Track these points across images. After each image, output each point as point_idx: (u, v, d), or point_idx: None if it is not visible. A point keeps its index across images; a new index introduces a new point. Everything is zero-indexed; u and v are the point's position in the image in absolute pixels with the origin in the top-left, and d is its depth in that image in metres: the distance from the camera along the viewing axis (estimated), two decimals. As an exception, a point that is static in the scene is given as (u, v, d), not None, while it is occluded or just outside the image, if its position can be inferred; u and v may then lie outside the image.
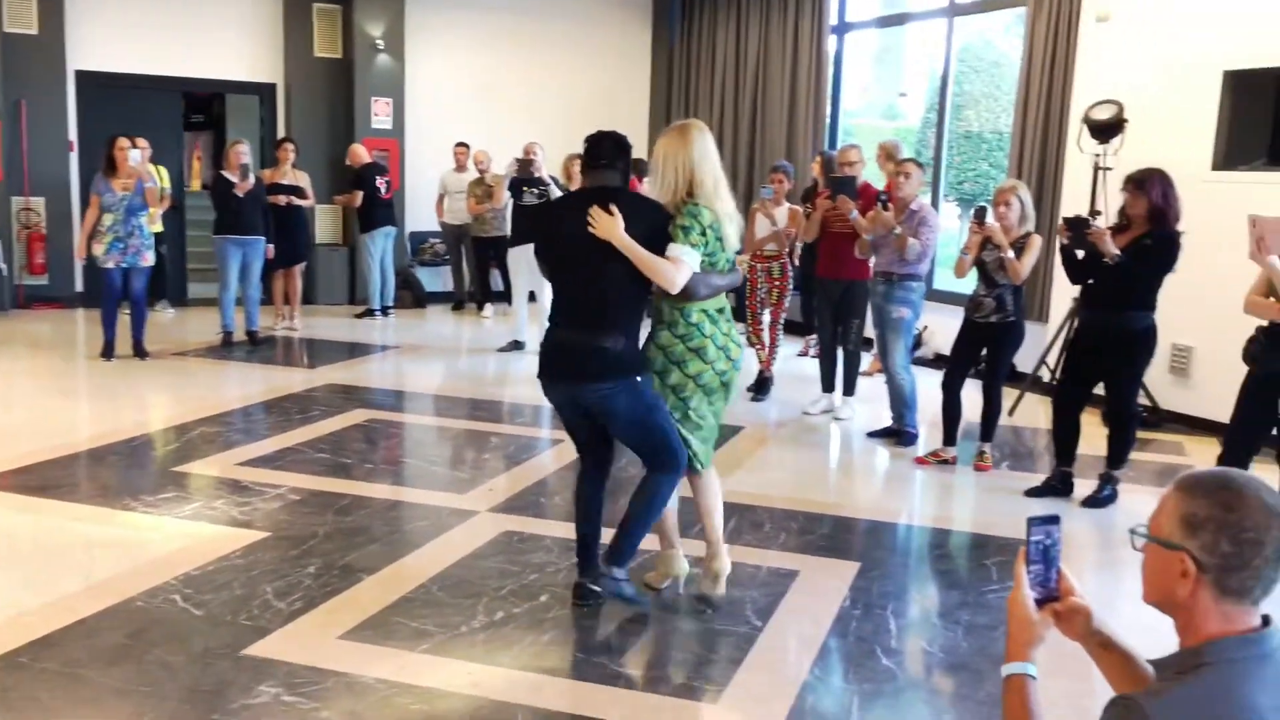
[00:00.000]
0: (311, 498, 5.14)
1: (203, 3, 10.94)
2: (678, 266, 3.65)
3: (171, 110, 11.39)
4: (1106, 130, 6.98)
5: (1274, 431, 4.72)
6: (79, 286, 10.62)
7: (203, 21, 10.94)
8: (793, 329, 9.49)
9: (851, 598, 4.16)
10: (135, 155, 8.03)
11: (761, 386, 7.61)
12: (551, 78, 12.19)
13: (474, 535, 4.71)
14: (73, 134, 10.57)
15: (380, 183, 10.49)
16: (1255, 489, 1.65)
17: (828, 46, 10.32)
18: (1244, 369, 4.74)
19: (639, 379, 3.73)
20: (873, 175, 8.36)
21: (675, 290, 3.66)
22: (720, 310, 3.90)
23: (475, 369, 8.75)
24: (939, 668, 3.66)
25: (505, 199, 9.45)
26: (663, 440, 3.80)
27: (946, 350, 6.32)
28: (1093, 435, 5.87)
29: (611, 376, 3.70)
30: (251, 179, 8.81)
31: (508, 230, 9.89)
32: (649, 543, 4.55)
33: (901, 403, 6.52)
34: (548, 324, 3.93)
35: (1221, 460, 4.80)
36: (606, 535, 4.02)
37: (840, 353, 7.06)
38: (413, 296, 11.68)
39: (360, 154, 10.63)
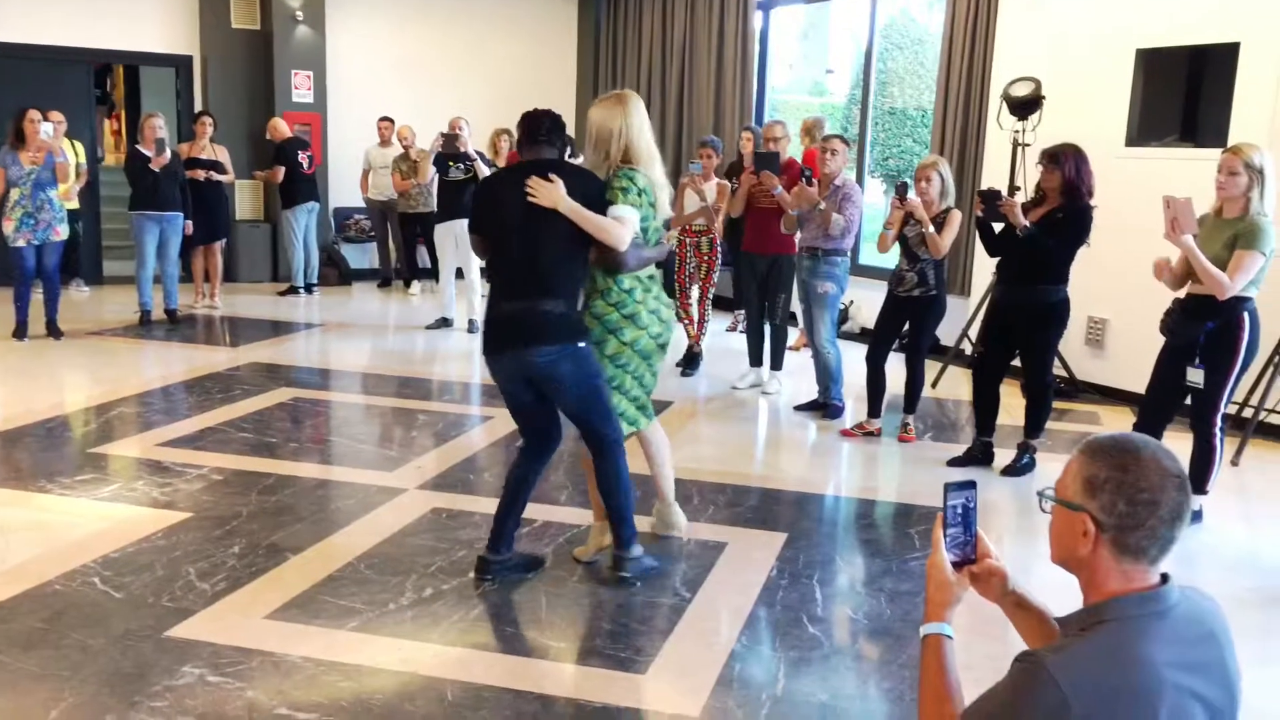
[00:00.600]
0: (235, 478, 5.07)
1: (114, -29, 10.62)
2: (623, 225, 3.73)
3: (82, 83, 11.04)
4: (1025, 107, 7.11)
5: (1187, 400, 4.86)
6: (-10, 265, 10.28)
7: (115, -10, 10.62)
8: (721, 304, 9.56)
9: (779, 568, 4.22)
10: (46, 128, 7.78)
11: (691, 361, 7.66)
12: (477, 52, 12.07)
13: (402, 513, 4.68)
14: (-21, 106, 10.19)
15: (302, 157, 10.30)
16: (1153, 452, 1.71)
17: (754, 22, 10.35)
18: (1157, 340, 4.88)
19: (582, 345, 3.78)
20: (797, 149, 8.43)
21: (623, 247, 3.73)
22: (650, 277, 4.01)
23: (403, 347, 8.67)
24: (863, 634, 3.73)
25: (431, 174, 9.35)
26: (604, 411, 3.87)
27: (872, 324, 6.41)
28: (1012, 406, 6.01)
29: (555, 339, 3.73)
30: (168, 153, 8.60)
31: (434, 206, 9.79)
32: (580, 518, 4.59)
33: (827, 376, 6.61)
34: (489, 299, 3.95)
35: (1136, 427, 4.95)
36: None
37: (767, 328, 7.12)
38: (338, 274, 11.51)
39: (281, 128, 10.42)
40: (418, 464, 5.39)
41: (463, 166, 8.69)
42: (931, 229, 5.71)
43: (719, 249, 7.52)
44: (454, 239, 8.87)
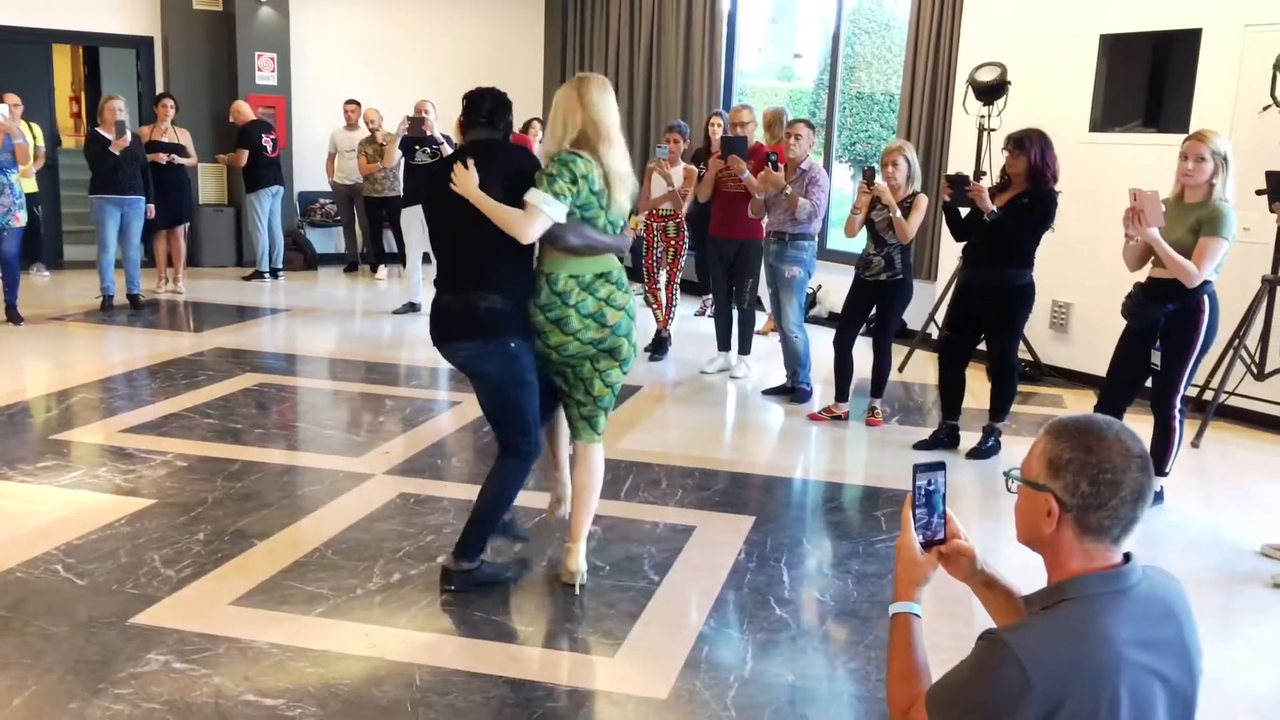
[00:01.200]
0: (200, 464, 5.02)
1: (73, -50, 10.44)
2: (530, 215, 3.45)
3: (41, 64, 10.86)
4: (990, 92, 7.15)
5: (1147, 383, 4.92)
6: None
7: (73, -30, 10.44)
8: (690, 289, 9.56)
9: (746, 551, 4.24)
10: (2, 110, 7.65)
11: (659, 346, 7.66)
12: (444, 35, 11.97)
13: (369, 498, 4.66)
14: (-67, 89, 9.98)
15: (266, 141, 10.19)
16: (1116, 433, 1.73)
17: (722, 6, 10.33)
18: (1120, 323, 4.94)
19: (514, 344, 3.57)
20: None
21: (525, 240, 3.47)
22: (601, 275, 3.64)
23: (370, 332, 8.62)
24: (830, 615, 3.76)
25: (397, 158, 9.28)
26: (519, 420, 3.68)
27: (840, 309, 6.43)
28: (977, 390, 6.06)
29: (481, 335, 3.57)
30: (128, 136, 8.47)
31: (400, 190, 9.73)
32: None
33: (795, 360, 6.63)
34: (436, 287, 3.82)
35: (1097, 408, 5.01)
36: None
37: (735, 312, 7.14)
38: (303, 258, 11.41)
39: (244, 111, 10.30)
40: (385, 449, 5.37)
41: (429, 150, 8.63)
42: (898, 213, 5.73)
43: (685, 233, 7.52)
44: (420, 223, 8.77)
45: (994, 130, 7.08)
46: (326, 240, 11.83)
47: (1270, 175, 5.71)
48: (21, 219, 7.94)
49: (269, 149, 10.22)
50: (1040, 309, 7.35)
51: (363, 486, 4.81)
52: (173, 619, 3.49)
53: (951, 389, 5.68)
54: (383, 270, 11.06)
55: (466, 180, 3.52)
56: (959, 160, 7.70)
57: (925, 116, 8.41)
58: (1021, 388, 7.01)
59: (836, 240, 9.36)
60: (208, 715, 2.94)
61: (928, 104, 8.39)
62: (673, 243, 7.46)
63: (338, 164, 10.94)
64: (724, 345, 7.26)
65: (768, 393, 6.76)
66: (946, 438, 5.69)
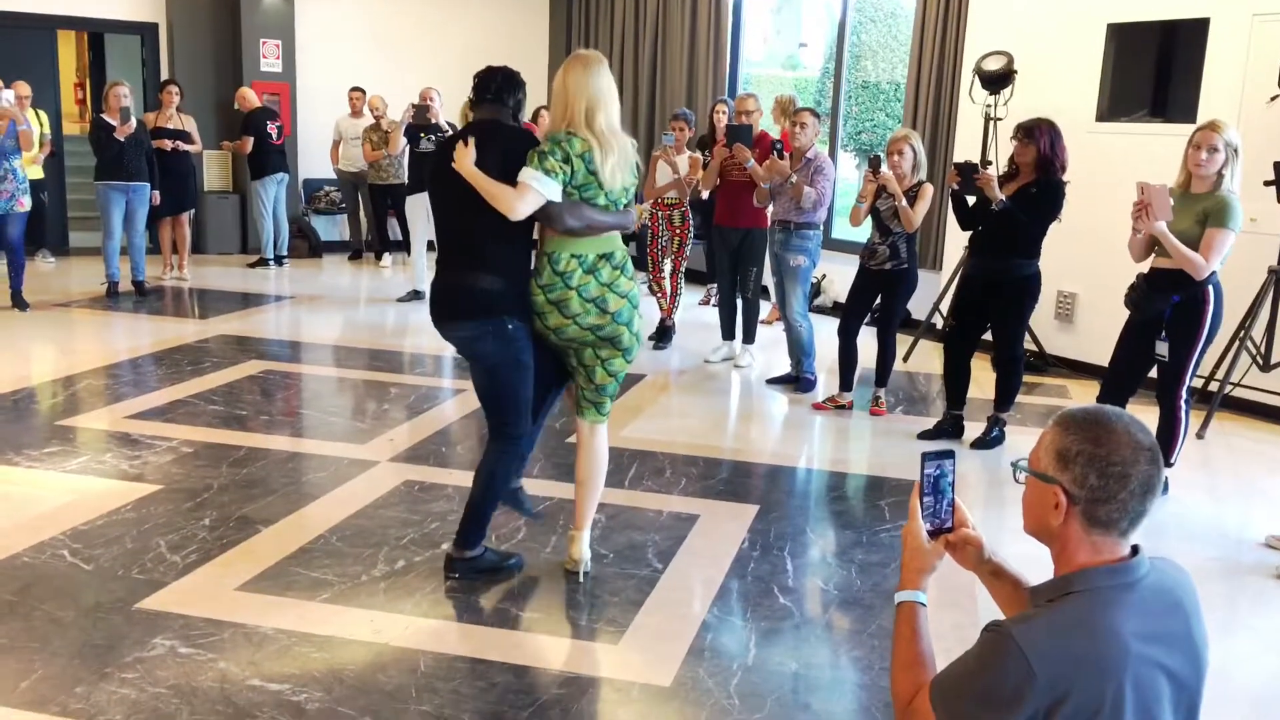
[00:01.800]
0: (205, 450, 5.03)
1: (78, -64, 10.42)
2: (521, 192, 3.42)
3: (45, 50, 10.85)
4: (997, 81, 7.13)
5: (1151, 373, 4.92)
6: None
7: (78, -44, 10.43)
8: (695, 278, 9.55)
9: (750, 539, 4.25)
10: (8, 95, 7.65)
11: (663, 335, 7.66)
12: (449, 22, 11.95)
13: (374, 485, 4.67)
14: (-61, 74, 9.99)
15: (271, 128, 10.17)
16: (1125, 425, 1.72)
17: (728, -5, 10.30)
18: (1125, 314, 4.93)
19: (511, 325, 3.55)
20: (772, 129, 8.41)
21: (514, 217, 3.43)
22: (604, 256, 3.59)
23: (374, 319, 8.62)
24: (833, 604, 3.76)
25: (401, 145, 9.27)
26: (511, 402, 3.67)
27: (844, 298, 6.43)
28: (982, 380, 6.06)
29: (478, 315, 3.55)
30: (133, 122, 8.47)
31: (405, 178, 9.72)
32: (551, 489, 4.59)
33: (800, 350, 6.63)
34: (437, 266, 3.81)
35: (1100, 399, 5.01)
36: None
37: (739, 301, 7.13)
38: (308, 246, 11.42)
39: (249, 98, 10.29)
40: (389, 436, 5.37)
41: (434, 138, 8.61)
42: (904, 202, 5.72)
43: (691, 222, 7.51)
44: (425, 211, 8.79)
45: (1000, 119, 7.06)
46: (331, 228, 11.82)
47: (1278, 165, 5.69)
48: (26, 204, 7.94)
49: (274, 136, 10.21)
50: (1045, 299, 7.31)
51: (367, 474, 4.82)
52: (178, 604, 3.50)
53: (956, 379, 5.68)
54: (387, 258, 11.06)
55: (464, 158, 3.50)
56: (965, 149, 7.68)
57: (931, 105, 8.38)
58: (1026, 378, 6.99)
59: (841, 229, 9.33)
60: (213, 700, 2.95)
61: (934, 93, 8.36)
62: (678, 231, 7.45)
63: (342, 151, 10.93)
64: (728, 334, 7.25)
65: (771, 382, 6.76)
66: (951, 428, 5.68)
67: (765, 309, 8.14)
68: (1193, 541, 4.52)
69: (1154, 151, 6.39)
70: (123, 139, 8.40)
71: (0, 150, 7.65)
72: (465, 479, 4.71)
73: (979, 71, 7.23)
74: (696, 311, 8.98)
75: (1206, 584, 4.08)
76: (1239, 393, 6.25)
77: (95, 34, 13.71)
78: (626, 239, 3.93)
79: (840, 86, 9.71)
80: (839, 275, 8.86)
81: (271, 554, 3.92)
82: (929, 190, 5.83)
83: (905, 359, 7.44)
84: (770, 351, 7.43)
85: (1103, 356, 5.63)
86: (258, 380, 6.42)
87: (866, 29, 14.20)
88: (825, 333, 6.93)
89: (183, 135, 9.41)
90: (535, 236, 3.69)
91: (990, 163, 7.08)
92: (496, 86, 3.67)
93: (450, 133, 8.39)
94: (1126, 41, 7.04)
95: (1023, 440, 5.54)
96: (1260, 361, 6.10)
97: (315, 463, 4.97)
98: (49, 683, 3.01)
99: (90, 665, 3.11)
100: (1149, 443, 1.72)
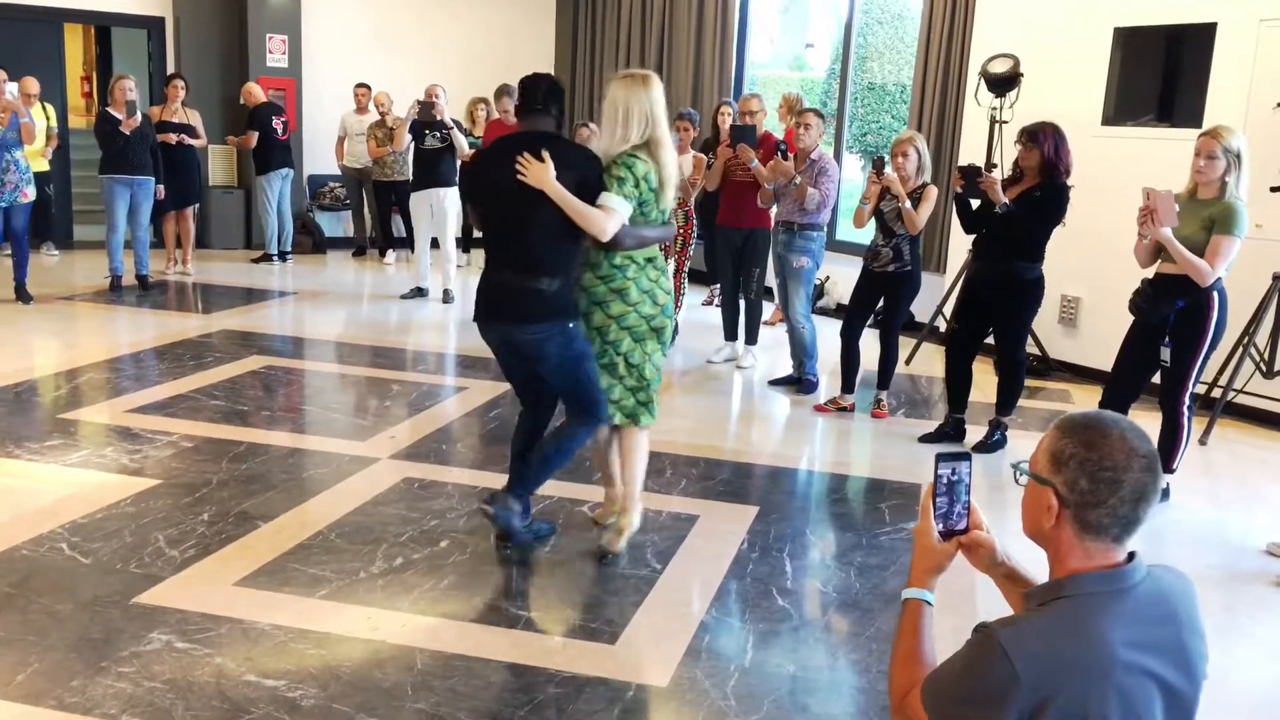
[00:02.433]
0: (206, 445, 5.03)
1: (85, -70, 10.42)
2: (609, 215, 3.63)
3: (52, 44, 10.85)
4: (1003, 83, 7.10)
5: (1154, 378, 4.90)
6: (-44, 227, 10.12)
7: (85, -51, 10.43)
8: (698, 278, 9.54)
9: (749, 541, 4.24)
10: (11, 88, 7.65)
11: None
12: (455, 20, 11.93)
13: (374, 482, 4.67)
14: (-55, 66, 9.99)
15: (277, 123, 10.17)
16: (1122, 431, 1.71)
17: (734, -4, 10.29)
18: (1129, 318, 4.91)
19: (571, 324, 3.75)
20: (778, 126, 8.40)
21: (605, 239, 3.66)
22: (649, 259, 3.86)
23: (377, 316, 8.62)
24: (832, 607, 3.76)
25: (406, 142, 9.26)
26: (588, 391, 3.83)
27: (848, 300, 6.42)
28: (985, 383, 6.04)
29: (545, 319, 3.72)
30: (138, 116, 8.46)
31: (410, 174, 9.71)
32: (555, 489, 4.59)
33: (802, 351, 6.62)
34: (483, 267, 3.94)
35: (1103, 404, 4.99)
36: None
37: (742, 302, 7.12)
38: (312, 242, 11.41)
39: (255, 93, 10.28)
40: (390, 433, 5.37)
41: (438, 135, 8.62)
42: (908, 204, 5.71)
43: (694, 222, 7.50)
44: (429, 208, 8.81)
45: (1006, 122, 7.03)
46: (336, 224, 11.82)
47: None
48: (30, 195, 7.95)
49: (279, 131, 10.21)
50: (1049, 303, 7.30)
51: (367, 470, 4.81)
52: (176, 599, 3.50)
53: (958, 382, 5.66)
54: (390, 255, 11.05)
55: (544, 173, 3.62)
56: (970, 152, 7.66)
57: (937, 108, 8.37)
58: (1029, 382, 6.99)
59: (846, 231, 9.33)
60: (209, 695, 2.95)
61: (939, 95, 8.35)
62: (680, 231, 7.44)
63: (347, 147, 10.92)
64: (730, 335, 7.24)
65: (774, 383, 6.75)
66: (952, 431, 5.67)
67: (769, 310, 8.12)
68: (1194, 548, 4.51)
69: (1160, 156, 6.37)
70: (128, 132, 8.40)
71: (3, 143, 7.65)
72: (466, 477, 4.75)
73: (984, 74, 7.21)
74: (699, 312, 8.97)
75: (1207, 590, 4.07)
76: (1242, 399, 6.23)
77: (102, 28, 13.74)
78: None
79: (846, 88, 9.70)
80: (843, 277, 8.84)
81: (270, 550, 3.91)
82: (933, 192, 5.82)
83: (908, 362, 7.42)
84: (773, 352, 7.42)
85: (1106, 361, 5.62)
86: (259, 375, 6.42)
87: (873, 30, 14.18)
88: (828, 334, 6.92)
89: (187, 129, 9.41)
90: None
91: (995, 166, 7.06)
92: (543, 95, 3.81)
93: (454, 129, 8.52)
94: (1133, 46, 7.02)
95: (1024, 444, 5.52)
96: (1264, 368, 6.08)
97: (316, 459, 4.96)
98: (45, 676, 3.01)
99: (87, 659, 3.10)
100: (1145, 450, 1.71)
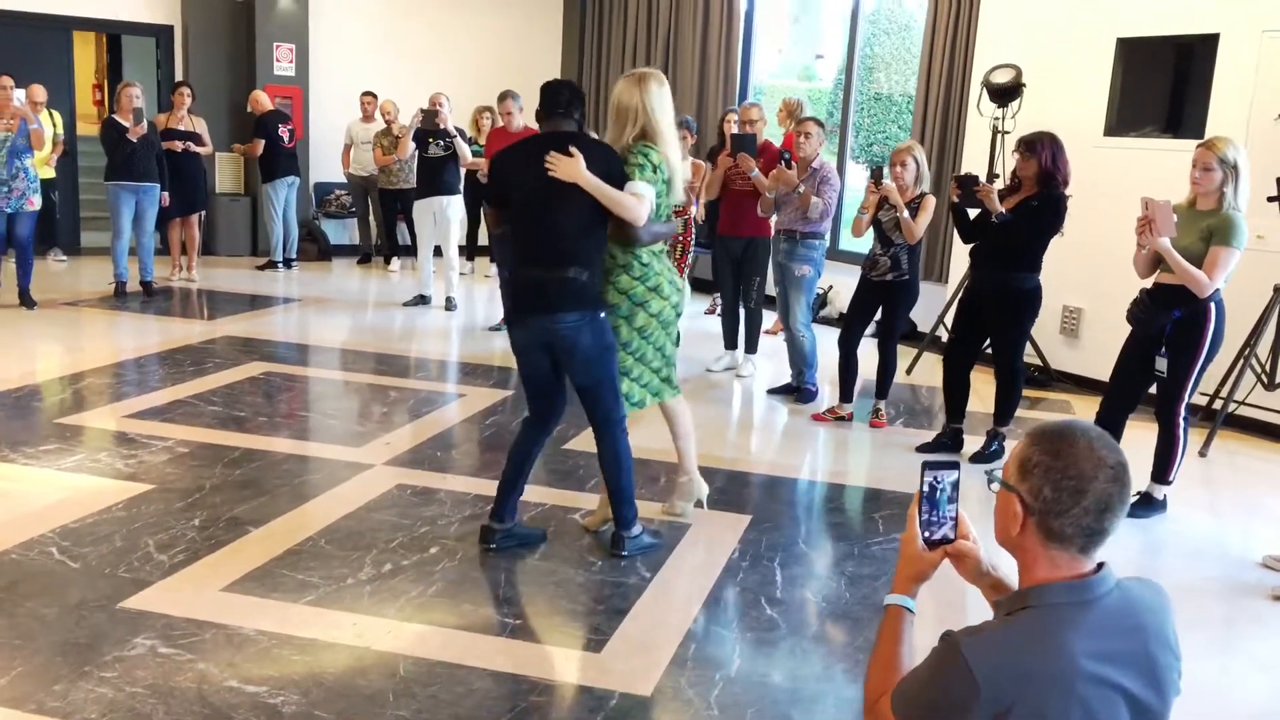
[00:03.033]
0: (201, 450, 5.04)
1: (95, -62, 10.50)
2: (640, 201, 3.78)
3: (61, 51, 10.92)
4: (1005, 94, 7.10)
5: (1152, 389, 4.88)
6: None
7: (95, -43, 10.50)
8: (702, 287, 9.54)
9: (741, 549, 4.22)
10: (20, 95, 7.69)
11: (666, 343, 7.63)
12: (461, 28, 11.98)
13: (367, 488, 4.66)
14: (-46, 73, 10.05)
15: (283, 131, 10.22)
16: (1090, 441, 1.70)
17: (739, 4, 10.30)
18: (1130, 329, 4.88)
19: (602, 315, 3.85)
20: (778, 131, 8.40)
21: (641, 223, 3.79)
22: (662, 250, 4.14)
23: (379, 323, 8.63)
24: (821, 616, 3.73)
25: (410, 150, 9.28)
26: (610, 385, 3.93)
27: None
28: (984, 393, 6.01)
29: (580, 307, 3.80)
30: (144, 124, 8.51)
31: (415, 182, 9.72)
32: (544, 495, 4.57)
33: (801, 360, 6.60)
34: (513, 267, 4.01)
35: (1099, 414, 4.97)
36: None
37: (742, 310, 7.10)
38: (318, 249, 11.45)
39: (262, 101, 10.33)
40: (386, 440, 5.37)
41: (442, 143, 8.63)
42: (905, 214, 5.70)
43: (694, 230, 7.50)
44: (433, 216, 8.83)
45: (1008, 133, 7.02)
46: (341, 231, 11.86)
47: (1283, 182, 5.64)
48: (36, 203, 7.99)
49: (285, 139, 10.25)
50: (1051, 313, 7.30)
51: (361, 476, 4.81)
52: (162, 604, 3.50)
53: (956, 392, 5.64)
54: (395, 262, 11.08)
55: (575, 166, 3.73)
56: (972, 162, 7.64)
57: (940, 117, 8.35)
58: (1031, 393, 6.97)
59: (849, 241, 9.31)
60: (189, 700, 2.94)
61: (942, 105, 8.33)
62: (679, 238, 7.43)
63: (353, 155, 10.96)
64: (730, 344, 7.23)
65: (772, 392, 6.74)
66: (950, 441, 5.65)
67: (770, 319, 8.10)
68: (1191, 559, 4.48)
69: (1162, 167, 6.33)
70: (134, 140, 8.44)
71: (12, 149, 7.70)
72: (460, 484, 4.74)
73: (987, 84, 7.20)
74: (701, 320, 8.96)
75: (1203, 603, 4.05)
76: (1243, 411, 6.19)
77: (113, 36, 13.82)
78: None
79: (850, 97, 9.69)
80: (845, 287, 8.79)
81: (259, 555, 3.91)
82: (931, 202, 5.80)
83: (909, 371, 7.40)
84: (774, 361, 7.40)
85: (1108, 372, 5.58)
86: (259, 382, 6.43)
87: (880, 41, 14.17)
88: (829, 344, 6.89)
89: (193, 137, 9.46)
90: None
91: (997, 176, 7.05)
92: (566, 100, 3.92)
93: (458, 138, 8.53)
94: (1136, 56, 7.00)
95: (1022, 455, 5.48)
96: (1265, 380, 6.04)
97: (310, 465, 4.97)
98: (28, 680, 3.01)
99: (70, 663, 3.10)
100: (1114, 460, 1.69)
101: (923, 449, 5.64)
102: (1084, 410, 6.70)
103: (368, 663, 3.21)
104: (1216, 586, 4.24)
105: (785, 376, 6.85)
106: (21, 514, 4.17)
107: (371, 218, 11.33)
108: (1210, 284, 4.52)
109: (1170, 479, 4.86)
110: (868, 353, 6.16)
